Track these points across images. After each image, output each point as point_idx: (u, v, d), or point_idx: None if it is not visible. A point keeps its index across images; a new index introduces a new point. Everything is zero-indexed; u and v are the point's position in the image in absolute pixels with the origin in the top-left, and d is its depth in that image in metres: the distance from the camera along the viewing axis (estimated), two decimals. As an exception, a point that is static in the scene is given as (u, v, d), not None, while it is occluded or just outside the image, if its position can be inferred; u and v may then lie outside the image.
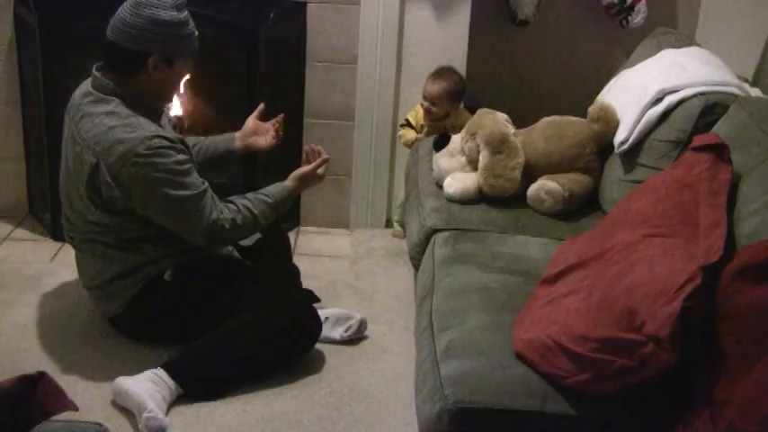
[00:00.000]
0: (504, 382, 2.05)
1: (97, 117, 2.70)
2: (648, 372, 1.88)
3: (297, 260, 3.55)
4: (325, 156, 3.09)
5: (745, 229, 2.20)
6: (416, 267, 3.01)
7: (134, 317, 2.91)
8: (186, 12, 2.75)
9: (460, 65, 3.81)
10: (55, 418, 1.89)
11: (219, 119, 4.08)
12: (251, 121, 3.26)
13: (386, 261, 3.78)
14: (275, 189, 3.00)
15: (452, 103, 3.71)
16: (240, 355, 2.80)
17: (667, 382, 1.95)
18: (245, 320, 2.83)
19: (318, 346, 3.04)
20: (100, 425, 1.91)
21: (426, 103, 3.70)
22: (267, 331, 2.83)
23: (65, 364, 2.87)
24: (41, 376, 2.24)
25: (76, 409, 2.29)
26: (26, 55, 3.78)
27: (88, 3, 3.56)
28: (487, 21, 4.04)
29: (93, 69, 2.79)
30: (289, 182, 3.04)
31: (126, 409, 2.64)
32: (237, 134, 3.25)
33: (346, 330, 3.08)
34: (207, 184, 2.79)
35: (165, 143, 2.68)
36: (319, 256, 3.82)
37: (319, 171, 3.07)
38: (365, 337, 3.13)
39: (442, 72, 3.71)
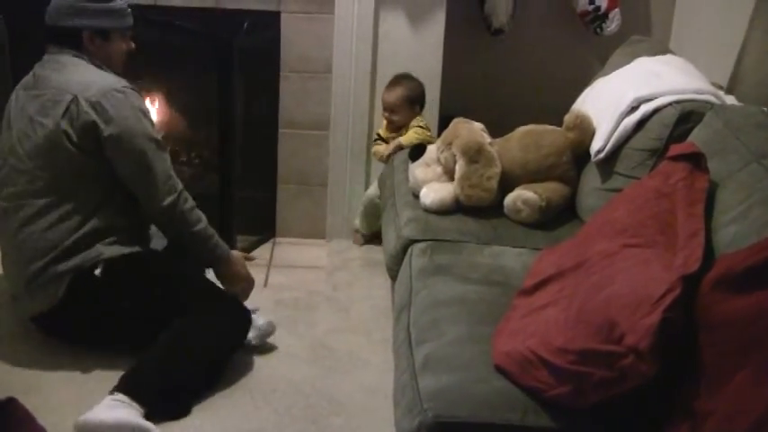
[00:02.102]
0: (484, 396, 2.03)
1: (65, 68, 2.90)
2: (628, 384, 1.86)
3: (273, 272, 3.53)
4: (250, 255, 3.39)
5: (723, 238, 2.20)
6: (393, 278, 2.99)
7: (63, 314, 2.87)
8: None
9: (435, 74, 3.81)
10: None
11: (193, 130, 4.06)
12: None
13: (363, 272, 3.76)
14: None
15: (412, 108, 3.71)
16: (190, 365, 2.78)
17: (648, 395, 1.93)
18: (185, 326, 2.82)
19: (295, 358, 3.03)
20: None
21: (387, 114, 3.69)
22: (208, 332, 2.84)
23: (32, 377, 2.82)
24: (9, 402, 2.20)
25: (46, 435, 2.26)
26: (-4, 65, 3.75)
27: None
28: (462, 30, 4.03)
29: (47, 50, 2.95)
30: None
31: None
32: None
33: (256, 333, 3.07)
34: None
35: (134, 89, 2.92)
36: (295, 267, 3.80)
37: (245, 270, 3.14)
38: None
39: (398, 79, 3.72)
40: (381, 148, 3.78)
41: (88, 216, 2.86)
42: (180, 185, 2.93)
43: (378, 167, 3.87)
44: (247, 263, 3.19)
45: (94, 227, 2.86)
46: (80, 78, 2.84)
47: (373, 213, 3.84)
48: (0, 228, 2.97)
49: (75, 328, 2.92)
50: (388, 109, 3.70)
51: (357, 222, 4.00)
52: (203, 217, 3.00)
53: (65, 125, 2.78)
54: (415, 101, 3.72)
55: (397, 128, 3.75)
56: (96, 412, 2.56)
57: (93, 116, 2.78)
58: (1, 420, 1.87)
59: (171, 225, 2.97)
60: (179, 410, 2.70)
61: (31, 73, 2.97)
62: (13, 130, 2.90)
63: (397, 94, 3.68)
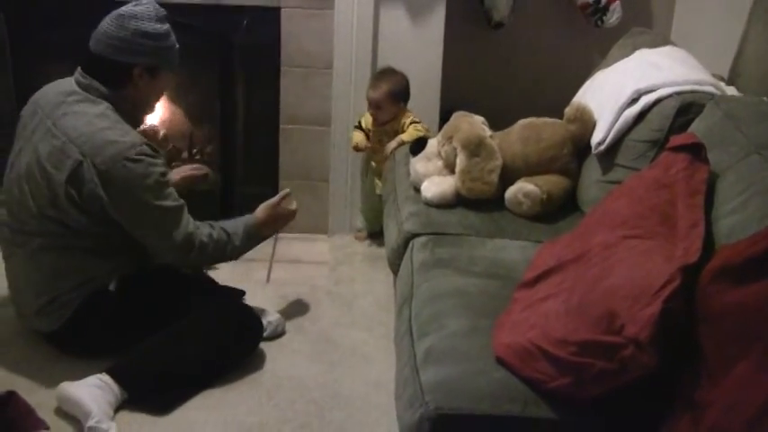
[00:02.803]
0: (485, 388, 2.04)
1: (86, 116, 2.74)
2: (629, 375, 1.86)
3: (276, 267, 3.53)
4: (286, 190, 3.23)
5: (723, 229, 2.20)
6: (395, 272, 3.00)
7: (73, 331, 2.85)
8: (168, 25, 2.83)
9: (436, 68, 3.81)
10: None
11: (195, 127, 4.06)
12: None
13: (365, 266, 3.77)
14: (245, 218, 3.09)
15: (397, 103, 3.70)
16: (183, 357, 2.80)
17: (648, 386, 1.93)
18: (188, 323, 2.84)
19: (298, 353, 3.03)
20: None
21: (372, 110, 3.70)
22: (210, 333, 2.86)
23: (36, 376, 2.83)
24: (11, 396, 2.21)
25: (48, 428, 2.26)
26: (-3, 65, 3.75)
27: (59, 13, 3.55)
28: (463, 23, 4.03)
29: (78, 71, 2.82)
30: (257, 212, 3.14)
31: (71, 416, 2.61)
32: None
33: (265, 329, 3.07)
34: (184, 202, 2.85)
35: (151, 152, 2.75)
36: (298, 262, 3.80)
37: (291, 206, 3.19)
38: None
39: (382, 74, 3.71)
40: (357, 137, 3.78)
41: (99, 255, 2.83)
42: (197, 239, 2.84)
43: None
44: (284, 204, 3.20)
45: (106, 263, 2.85)
46: (95, 135, 2.69)
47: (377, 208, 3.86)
48: (6, 253, 2.96)
49: (82, 341, 2.89)
50: (374, 106, 3.69)
51: (359, 222, 4.01)
52: (229, 239, 2.96)
53: (70, 188, 2.70)
54: (399, 96, 3.70)
55: (382, 123, 3.75)
56: (76, 386, 2.62)
57: (100, 190, 2.68)
58: (2, 413, 1.89)
59: (202, 266, 3.05)
60: (163, 403, 2.71)
61: (56, 91, 2.84)
62: (23, 159, 2.82)
63: (382, 90, 3.66)
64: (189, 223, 2.84)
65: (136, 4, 2.78)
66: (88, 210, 2.73)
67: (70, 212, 2.74)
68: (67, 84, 2.84)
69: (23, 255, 2.85)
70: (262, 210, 3.14)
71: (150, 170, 2.72)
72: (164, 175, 2.77)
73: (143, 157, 2.71)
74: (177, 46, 2.88)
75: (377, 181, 3.85)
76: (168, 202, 2.78)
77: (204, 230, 2.89)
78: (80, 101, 2.78)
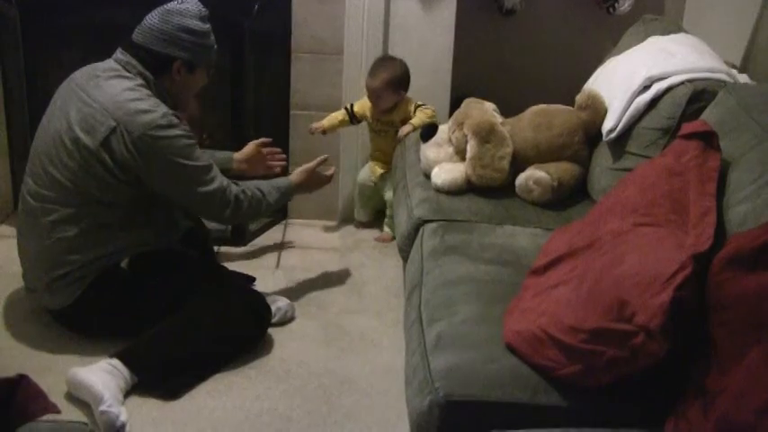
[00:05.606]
0: (495, 375, 2.04)
1: (119, 87, 2.81)
2: (640, 363, 1.86)
3: (286, 253, 3.52)
4: (324, 156, 3.33)
5: (734, 217, 2.19)
6: (405, 259, 2.99)
7: (83, 309, 2.88)
8: (209, 25, 2.93)
9: (447, 54, 3.80)
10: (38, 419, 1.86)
11: (205, 112, 4.06)
12: (252, 147, 3.42)
13: (375, 252, 3.77)
14: (280, 179, 3.21)
15: (396, 91, 3.68)
16: (193, 343, 2.82)
17: (659, 373, 1.93)
18: (197, 308, 2.87)
19: (307, 339, 3.04)
20: (86, 424, 1.89)
21: (372, 99, 3.69)
22: (220, 319, 2.88)
23: (47, 359, 2.85)
24: (21, 378, 2.22)
25: (58, 412, 2.26)
26: (7, 50, 3.74)
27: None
28: (474, 10, 4.02)
29: (118, 51, 2.90)
30: (292, 176, 3.24)
31: (82, 401, 2.61)
32: (236, 156, 3.39)
33: (274, 314, 3.09)
34: (213, 162, 2.95)
35: (178, 121, 2.84)
36: (308, 248, 3.81)
37: (327, 172, 3.31)
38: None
39: (381, 63, 3.70)
40: (331, 120, 3.79)
41: (119, 228, 2.87)
42: (232, 194, 2.92)
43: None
44: (320, 168, 3.30)
45: (124, 238, 2.88)
46: (128, 104, 2.76)
47: (369, 197, 3.92)
48: (25, 224, 2.97)
49: (92, 320, 2.92)
50: (374, 95, 3.68)
51: (355, 213, 4.02)
52: (263, 196, 3.04)
53: (103, 153, 2.75)
54: (399, 83, 3.68)
55: (383, 111, 3.74)
56: (85, 371, 2.63)
57: (135, 155, 2.75)
58: (13, 397, 1.89)
59: (239, 222, 3.24)
60: (172, 388, 2.72)
61: (93, 68, 2.90)
62: (52, 127, 2.85)
63: (381, 79, 3.64)
64: (222, 180, 2.92)
65: (181, 2, 2.87)
66: (120, 176, 2.79)
67: (102, 179, 2.78)
68: (106, 63, 2.91)
69: (43, 226, 2.86)
70: (297, 174, 3.24)
71: (180, 134, 2.81)
72: (190, 138, 2.86)
73: (172, 124, 2.80)
74: (215, 46, 2.98)
75: (372, 168, 3.88)
76: (199, 163, 2.86)
77: (238, 188, 2.97)
78: (116, 76, 2.84)
